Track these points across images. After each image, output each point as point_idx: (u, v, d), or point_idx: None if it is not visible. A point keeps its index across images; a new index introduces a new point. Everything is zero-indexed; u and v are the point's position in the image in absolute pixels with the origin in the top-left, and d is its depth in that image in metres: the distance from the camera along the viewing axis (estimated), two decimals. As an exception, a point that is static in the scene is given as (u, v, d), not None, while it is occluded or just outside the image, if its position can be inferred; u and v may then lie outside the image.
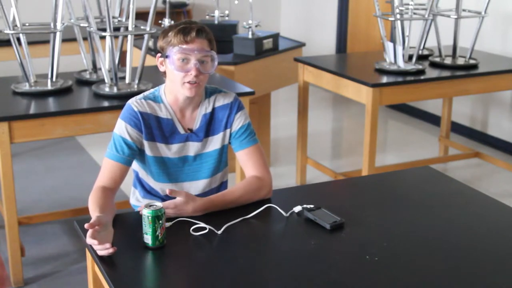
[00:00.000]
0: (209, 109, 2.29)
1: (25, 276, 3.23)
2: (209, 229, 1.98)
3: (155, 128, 2.23)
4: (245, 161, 2.29)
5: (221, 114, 2.29)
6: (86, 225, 1.87)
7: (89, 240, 1.85)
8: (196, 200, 2.08)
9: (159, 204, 1.91)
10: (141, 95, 2.27)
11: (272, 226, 2.11)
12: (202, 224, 2.00)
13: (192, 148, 2.28)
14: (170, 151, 2.26)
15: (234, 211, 2.12)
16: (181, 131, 2.26)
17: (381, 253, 1.88)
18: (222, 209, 2.12)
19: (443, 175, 2.52)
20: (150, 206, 1.89)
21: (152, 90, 2.30)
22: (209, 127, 2.29)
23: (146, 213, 1.87)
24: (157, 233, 1.88)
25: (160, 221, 1.87)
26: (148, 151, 2.24)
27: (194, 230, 1.98)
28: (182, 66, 2.15)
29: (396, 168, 4.38)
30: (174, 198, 2.07)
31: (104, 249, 1.83)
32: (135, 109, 2.21)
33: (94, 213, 2.02)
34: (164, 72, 2.24)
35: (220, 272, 1.79)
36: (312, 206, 2.11)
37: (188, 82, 2.16)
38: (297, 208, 2.12)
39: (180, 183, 2.30)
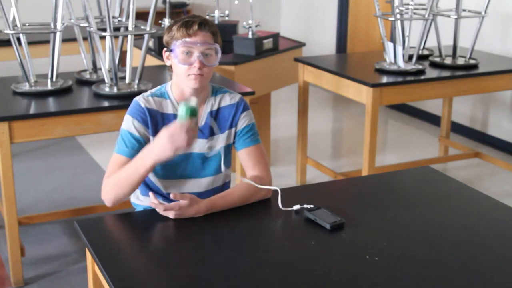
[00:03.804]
0: (215, 107, 2.30)
1: (25, 276, 3.23)
2: (209, 230, 1.98)
3: (162, 125, 2.23)
4: (246, 161, 2.29)
5: (227, 113, 2.30)
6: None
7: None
8: (199, 202, 2.08)
9: (194, 99, 2.02)
10: (148, 92, 2.28)
11: (272, 226, 2.11)
12: None
13: (198, 145, 2.28)
14: None
15: (234, 210, 2.12)
16: None
17: (381, 253, 1.88)
18: (222, 209, 2.12)
19: (443, 175, 2.52)
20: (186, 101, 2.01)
21: (158, 87, 2.31)
22: (214, 125, 2.30)
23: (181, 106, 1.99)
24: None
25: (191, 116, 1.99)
26: (152, 148, 2.24)
27: None
28: (185, 59, 2.18)
29: (396, 168, 4.38)
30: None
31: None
32: (142, 105, 2.22)
33: (127, 167, 2.13)
34: (171, 66, 2.25)
35: (220, 272, 1.79)
36: (312, 206, 2.11)
37: (193, 74, 2.17)
38: (297, 208, 2.12)
39: (183, 180, 2.30)
